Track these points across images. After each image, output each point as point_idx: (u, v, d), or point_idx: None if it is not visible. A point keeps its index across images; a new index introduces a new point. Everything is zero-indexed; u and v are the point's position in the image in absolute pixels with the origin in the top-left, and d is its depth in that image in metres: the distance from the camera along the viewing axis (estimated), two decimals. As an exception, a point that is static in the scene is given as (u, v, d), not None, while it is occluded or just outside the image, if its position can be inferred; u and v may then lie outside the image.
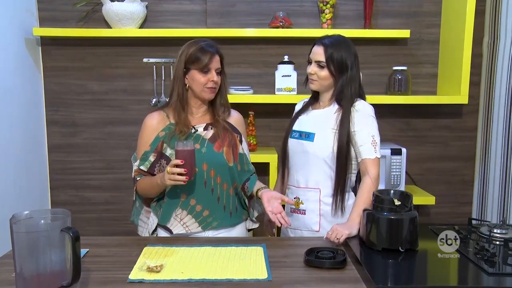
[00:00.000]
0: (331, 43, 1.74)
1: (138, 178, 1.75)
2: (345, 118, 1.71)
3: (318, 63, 1.74)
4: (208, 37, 2.24)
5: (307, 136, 1.78)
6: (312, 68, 1.76)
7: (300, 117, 1.87)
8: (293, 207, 1.83)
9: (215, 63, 1.70)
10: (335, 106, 1.77)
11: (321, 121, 1.77)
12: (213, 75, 1.69)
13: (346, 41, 1.77)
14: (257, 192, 1.74)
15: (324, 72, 1.74)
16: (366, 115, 1.73)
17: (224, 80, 1.77)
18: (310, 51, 1.79)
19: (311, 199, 1.79)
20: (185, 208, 1.71)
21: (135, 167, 1.76)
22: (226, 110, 1.80)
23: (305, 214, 1.80)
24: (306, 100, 1.92)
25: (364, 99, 1.79)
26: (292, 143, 1.84)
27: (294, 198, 1.83)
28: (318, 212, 1.77)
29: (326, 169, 1.76)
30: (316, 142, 1.75)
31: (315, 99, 1.87)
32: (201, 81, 1.69)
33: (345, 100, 1.74)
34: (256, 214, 1.89)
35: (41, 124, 2.65)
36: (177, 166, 1.55)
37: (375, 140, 1.71)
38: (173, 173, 1.55)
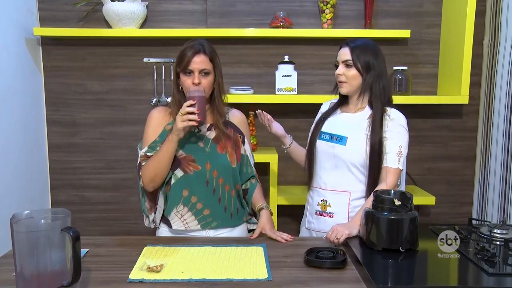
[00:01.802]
0: (357, 44, 1.74)
1: (144, 164, 1.72)
2: (377, 124, 1.71)
3: (345, 63, 1.74)
4: (208, 37, 2.25)
5: (339, 139, 1.77)
6: (340, 69, 1.75)
7: (329, 119, 1.85)
8: (320, 209, 1.83)
9: (198, 64, 1.64)
10: (367, 111, 1.76)
11: (354, 125, 1.76)
12: (195, 77, 1.65)
13: (373, 43, 1.77)
14: (259, 209, 1.76)
15: (352, 71, 1.73)
16: (399, 125, 1.73)
17: (219, 83, 1.72)
18: (337, 56, 1.79)
19: (339, 202, 1.78)
20: (186, 205, 1.71)
21: (141, 153, 1.73)
22: (221, 117, 1.75)
23: (333, 217, 1.79)
24: (333, 101, 1.91)
25: (392, 104, 1.78)
26: (321, 145, 1.82)
27: (321, 200, 1.82)
28: (347, 215, 1.77)
29: (357, 173, 1.75)
30: (348, 146, 1.75)
31: (343, 102, 1.86)
32: (185, 84, 1.67)
33: (375, 98, 1.73)
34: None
35: (42, 124, 2.66)
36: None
37: (401, 152, 1.71)
38: (186, 113, 1.56)
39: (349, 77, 1.74)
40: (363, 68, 1.72)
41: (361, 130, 1.74)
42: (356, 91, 1.77)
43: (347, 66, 1.74)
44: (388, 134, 1.71)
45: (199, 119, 1.57)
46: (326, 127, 1.84)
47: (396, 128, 1.72)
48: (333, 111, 1.87)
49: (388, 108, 1.74)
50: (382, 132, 1.71)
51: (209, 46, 1.69)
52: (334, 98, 1.91)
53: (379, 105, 1.73)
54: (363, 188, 1.76)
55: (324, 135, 1.82)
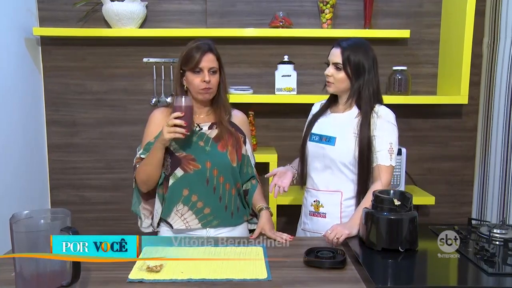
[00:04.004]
0: (349, 46, 1.72)
1: (137, 166, 1.74)
2: (365, 123, 1.71)
3: (335, 65, 1.73)
4: (208, 37, 2.24)
5: (328, 140, 1.77)
6: (329, 70, 1.75)
7: (319, 120, 1.85)
8: (313, 210, 1.83)
9: (207, 62, 1.67)
10: (355, 110, 1.76)
11: (342, 125, 1.76)
12: (205, 75, 1.67)
13: (365, 44, 1.75)
14: (259, 209, 1.77)
15: (341, 74, 1.72)
16: (388, 122, 1.73)
17: (224, 81, 1.75)
18: (329, 54, 1.78)
19: (332, 202, 1.78)
20: (186, 204, 1.71)
21: (137, 155, 1.76)
22: (226, 113, 1.78)
23: (325, 217, 1.80)
24: (323, 102, 1.91)
25: (381, 103, 1.78)
26: (311, 146, 1.82)
27: (314, 201, 1.83)
28: (339, 215, 1.77)
29: (348, 172, 1.75)
30: (337, 146, 1.75)
31: (333, 101, 1.86)
32: (195, 83, 1.68)
33: (363, 103, 1.73)
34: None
35: (41, 124, 2.65)
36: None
37: (392, 148, 1.71)
38: (173, 125, 1.56)
39: (338, 79, 1.73)
40: (352, 73, 1.71)
41: (350, 130, 1.74)
42: (343, 92, 1.77)
43: (337, 68, 1.73)
44: (377, 132, 1.71)
45: (186, 133, 1.58)
46: (316, 129, 1.84)
47: (385, 125, 1.72)
48: (323, 112, 1.87)
49: (375, 105, 1.74)
50: (370, 130, 1.71)
51: (214, 45, 1.73)
52: (325, 99, 1.91)
53: (368, 108, 1.72)
54: (354, 188, 1.76)
55: (314, 137, 1.82)
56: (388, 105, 1.79)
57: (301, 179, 1.90)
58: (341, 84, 1.74)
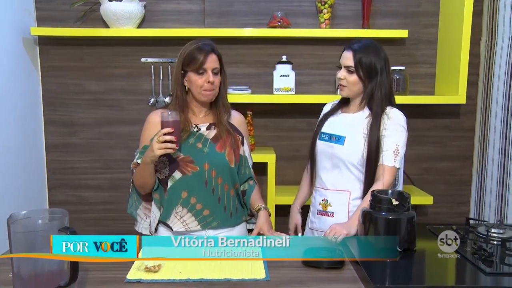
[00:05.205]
0: (360, 48, 1.72)
1: (134, 171, 1.75)
2: (375, 124, 1.71)
3: (347, 68, 1.73)
4: (206, 37, 2.24)
5: (337, 139, 1.77)
6: (341, 73, 1.75)
7: (329, 119, 1.85)
8: (321, 209, 1.83)
9: (211, 63, 1.68)
10: (366, 111, 1.76)
11: (352, 125, 1.77)
12: (209, 76, 1.67)
13: (375, 45, 1.75)
14: (257, 209, 1.77)
15: (353, 77, 1.72)
16: (397, 124, 1.72)
17: (224, 81, 1.76)
18: (340, 57, 1.78)
19: (340, 201, 1.79)
20: (185, 206, 1.71)
21: (134, 161, 1.76)
22: (226, 112, 1.78)
23: (333, 216, 1.80)
24: (335, 102, 1.91)
25: (393, 104, 1.78)
26: (321, 145, 1.83)
27: (322, 200, 1.83)
28: (347, 215, 1.77)
29: (356, 172, 1.75)
30: (346, 146, 1.75)
31: (344, 103, 1.86)
32: (198, 83, 1.68)
33: (375, 104, 1.73)
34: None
35: (39, 124, 2.65)
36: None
37: (398, 150, 1.71)
38: (163, 142, 1.56)
39: (350, 82, 1.74)
40: (365, 76, 1.72)
41: (359, 130, 1.74)
42: (356, 95, 1.77)
43: (349, 71, 1.73)
44: (386, 132, 1.71)
45: (176, 147, 1.58)
46: (326, 128, 1.84)
47: (394, 127, 1.72)
48: (334, 111, 1.88)
49: (387, 107, 1.74)
50: (380, 131, 1.71)
51: (215, 45, 1.73)
52: (337, 99, 1.92)
53: (378, 110, 1.73)
54: (363, 187, 1.76)
55: (324, 136, 1.83)
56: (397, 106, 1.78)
57: (311, 178, 1.91)
58: (354, 87, 1.74)
